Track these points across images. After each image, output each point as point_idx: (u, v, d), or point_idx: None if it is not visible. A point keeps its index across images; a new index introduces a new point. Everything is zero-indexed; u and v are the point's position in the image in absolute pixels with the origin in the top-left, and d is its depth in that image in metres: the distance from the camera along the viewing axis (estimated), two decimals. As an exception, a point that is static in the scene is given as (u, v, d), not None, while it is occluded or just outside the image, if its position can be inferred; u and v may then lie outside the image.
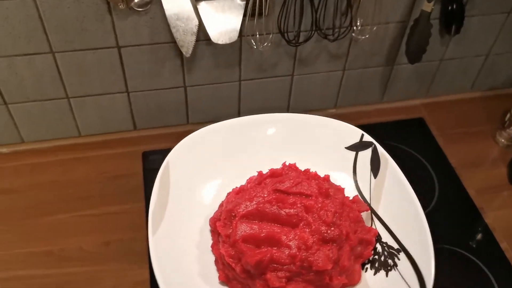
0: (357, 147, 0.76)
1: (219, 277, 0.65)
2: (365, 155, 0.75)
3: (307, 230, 0.61)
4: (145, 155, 0.92)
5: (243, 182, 0.73)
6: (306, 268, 0.59)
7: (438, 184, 0.89)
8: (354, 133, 0.77)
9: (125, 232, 0.80)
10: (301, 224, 0.61)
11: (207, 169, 0.75)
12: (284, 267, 0.59)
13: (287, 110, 1.00)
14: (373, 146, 0.75)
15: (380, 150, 0.74)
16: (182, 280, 0.63)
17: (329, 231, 0.61)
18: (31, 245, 0.78)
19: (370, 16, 0.82)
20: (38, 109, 0.86)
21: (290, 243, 0.60)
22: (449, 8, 0.85)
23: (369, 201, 0.73)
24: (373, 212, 0.72)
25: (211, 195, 0.74)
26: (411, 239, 0.66)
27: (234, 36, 0.76)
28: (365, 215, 0.71)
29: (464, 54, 0.98)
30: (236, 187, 0.72)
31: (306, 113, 0.99)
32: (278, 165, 0.73)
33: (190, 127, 0.97)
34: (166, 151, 0.91)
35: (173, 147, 0.91)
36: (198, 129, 0.95)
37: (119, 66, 0.83)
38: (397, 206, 0.70)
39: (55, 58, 0.79)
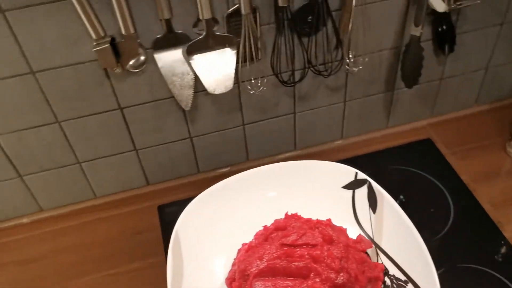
0: (353, 185, 0.79)
1: None
2: (362, 192, 0.78)
3: (318, 279, 0.64)
4: (161, 209, 0.93)
5: (251, 237, 0.76)
6: None
7: (453, 203, 0.89)
8: (348, 172, 0.80)
9: (149, 287, 0.81)
10: (312, 275, 0.64)
11: (215, 230, 0.77)
12: None
13: (294, 147, 1.01)
14: (368, 183, 0.78)
15: (375, 185, 0.77)
16: None
17: (338, 277, 0.64)
18: (61, 312, 0.80)
19: (361, 47, 0.84)
20: (52, 177, 0.89)
21: None
22: (440, 29, 0.86)
23: (372, 237, 0.75)
24: (377, 246, 0.74)
25: (223, 254, 0.76)
26: (416, 270, 0.68)
27: (230, 84, 0.78)
28: (370, 250, 0.73)
29: (463, 70, 0.98)
30: (245, 243, 0.75)
31: (314, 148, 1.02)
32: (281, 214, 0.76)
33: (202, 175, 0.99)
34: (180, 202, 0.93)
35: (186, 198, 0.93)
36: (210, 176, 0.98)
37: (123, 126, 0.85)
38: (399, 238, 0.72)
39: (61, 127, 0.82)
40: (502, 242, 0.82)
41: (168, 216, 0.92)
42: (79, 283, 0.83)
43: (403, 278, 0.68)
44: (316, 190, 0.80)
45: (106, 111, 0.82)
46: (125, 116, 0.84)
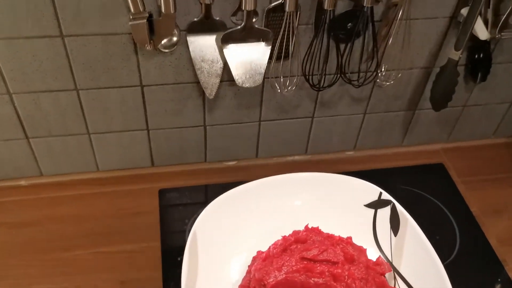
0: (376, 204, 0.77)
1: None
2: (384, 213, 0.76)
3: None
4: (162, 193, 0.91)
5: (266, 244, 0.74)
6: None
7: (459, 232, 0.88)
8: (372, 191, 0.78)
9: (140, 271, 0.80)
10: None
11: (232, 234, 0.75)
12: None
13: (305, 151, 0.99)
14: (391, 204, 0.76)
15: (399, 208, 0.75)
16: None
17: None
18: (48, 281, 0.78)
19: (396, 61, 0.82)
20: (59, 143, 0.86)
21: None
22: (476, 56, 0.85)
23: (390, 259, 0.73)
24: (395, 270, 0.72)
25: (237, 259, 0.75)
26: None
27: (259, 79, 0.76)
28: (387, 274, 0.72)
29: (488, 100, 0.97)
30: (261, 251, 0.73)
31: (325, 155, 1.00)
32: (299, 225, 0.74)
33: (208, 165, 0.97)
34: (182, 189, 0.92)
35: (189, 185, 0.92)
36: (216, 167, 0.96)
37: (141, 104, 0.83)
38: (419, 265, 0.70)
39: (79, 95, 0.79)
40: (499, 279, 0.82)
41: (168, 201, 0.90)
42: (69, 256, 0.81)
43: None
44: (338, 205, 0.78)
45: (126, 86, 0.80)
46: (145, 94, 0.82)
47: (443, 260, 0.81)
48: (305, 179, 0.79)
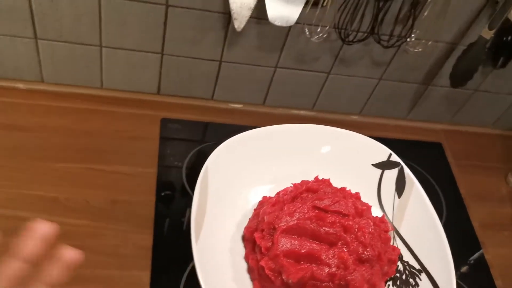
0: (384, 165, 0.77)
1: (254, 287, 0.65)
2: (391, 175, 0.76)
3: (345, 249, 0.62)
4: (164, 122, 0.89)
5: (273, 191, 0.73)
6: (343, 286, 0.61)
7: (446, 211, 0.89)
8: (382, 152, 0.78)
9: (133, 194, 0.78)
10: (339, 243, 0.63)
11: (242, 175, 0.74)
12: (323, 284, 0.61)
13: (312, 107, 0.98)
14: (400, 166, 0.76)
15: (407, 171, 0.76)
16: (220, 285, 0.63)
17: (365, 252, 0.62)
18: (37, 188, 0.75)
19: (427, 31, 0.81)
20: (67, 50, 0.82)
21: (329, 261, 0.61)
22: (504, 39, 0.84)
23: (391, 220, 0.74)
24: (395, 230, 0.73)
25: (242, 202, 0.73)
26: (432, 261, 0.68)
27: (292, 20, 0.74)
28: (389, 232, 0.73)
29: (498, 89, 0.97)
30: (268, 196, 0.72)
31: (330, 115, 0.99)
32: (308, 176, 0.73)
33: (213, 103, 0.94)
34: (185, 122, 0.90)
35: (191, 120, 0.90)
36: (221, 107, 0.94)
37: (161, 25, 0.80)
38: (420, 228, 0.71)
39: (100, 2, 0.75)
40: (481, 262, 0.84)
41: (168, 132, 0.88)
42: (61, 167, 0.78)
43: (417, 266, 0.68)
44: (346, 161, 0.77)
45: (151, 2, 0.76)
46: (168, 15, 0.78)
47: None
48: (319, 132, 0.78)
